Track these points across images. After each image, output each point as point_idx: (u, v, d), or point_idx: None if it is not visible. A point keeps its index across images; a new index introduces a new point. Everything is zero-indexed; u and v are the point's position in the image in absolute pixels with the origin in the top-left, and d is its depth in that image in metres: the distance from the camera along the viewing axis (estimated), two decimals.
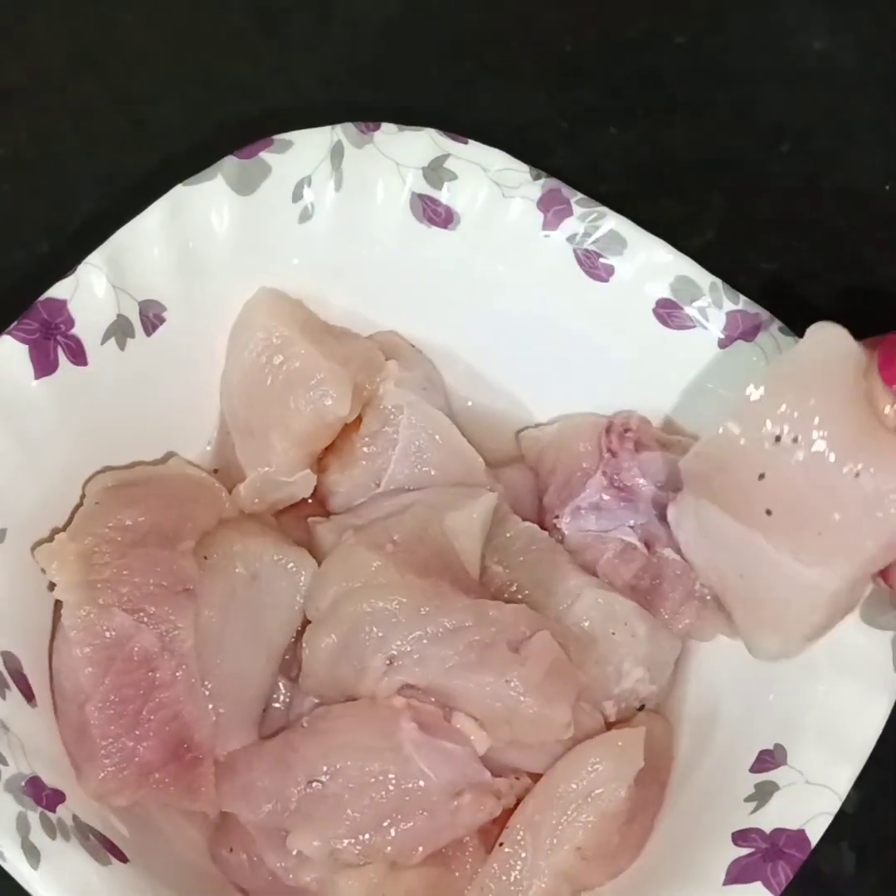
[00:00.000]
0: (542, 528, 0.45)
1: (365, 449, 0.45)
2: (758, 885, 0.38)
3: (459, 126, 0.46)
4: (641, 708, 0.44)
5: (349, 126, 0.45)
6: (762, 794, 0.39)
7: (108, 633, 0.39)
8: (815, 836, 0.38)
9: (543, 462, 0.47)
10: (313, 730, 0.41)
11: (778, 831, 0.38)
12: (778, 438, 0.28)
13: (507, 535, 0.44)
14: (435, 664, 0.40)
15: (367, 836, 0.39)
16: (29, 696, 0.39)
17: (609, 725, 0.43)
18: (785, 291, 0.53)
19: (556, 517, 0.45)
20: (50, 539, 0.41)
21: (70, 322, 0.42)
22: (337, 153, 0.45)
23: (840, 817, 0.39)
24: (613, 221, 0.44)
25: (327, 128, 0.45)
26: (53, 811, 0.37)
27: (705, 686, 0.44)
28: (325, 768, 0.40)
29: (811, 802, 0.39)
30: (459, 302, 0.46)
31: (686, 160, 0.57)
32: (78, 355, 0.42)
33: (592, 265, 0.44)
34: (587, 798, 0.40)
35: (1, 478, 0.40)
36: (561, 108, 0.58)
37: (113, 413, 0.43)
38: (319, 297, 0.46)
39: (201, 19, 0.60)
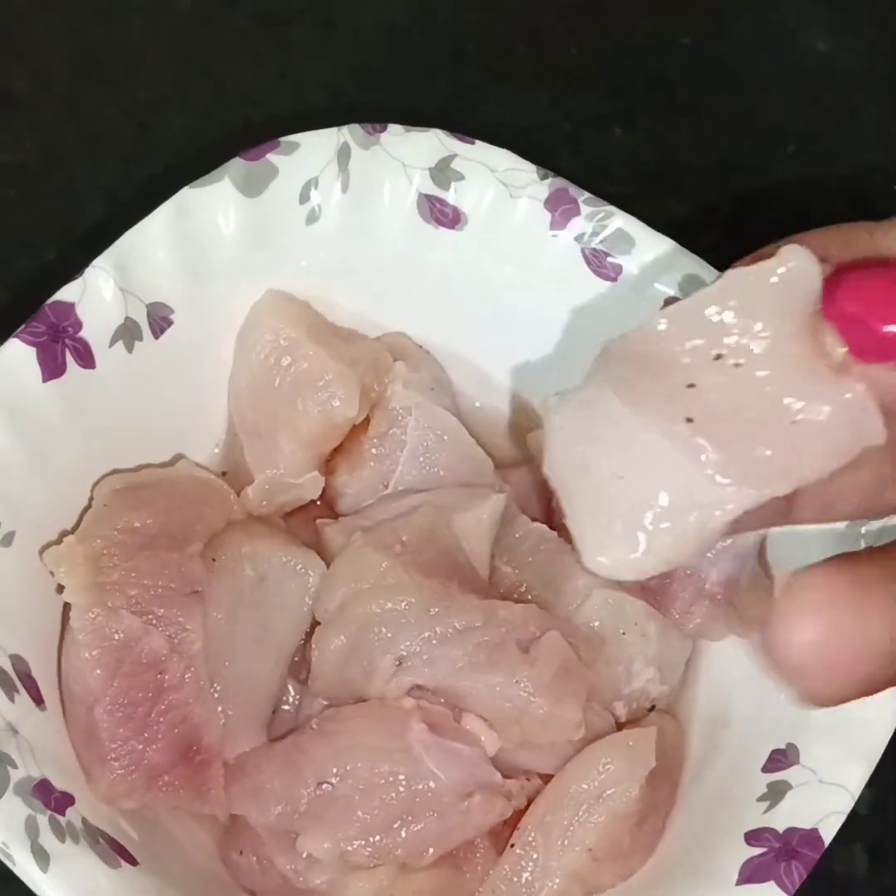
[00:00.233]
0: (551, 528, 0.45)
1: (373, 450, 0.45)
2: (771, 884, 0.37)
3: (464, 129, 0.46)
4: (652, 708, 0.44)
5: (355, 127, 0.45)
6: (775, 793, 0.39)
7: (116, 636, 0.39)
8: (828, 836, 0.38)
9: None
10: (323, 731, 0.41)
11: (791, 831, 0.38)
12: (718, 356, 0.27)
13: (516, 535, 0.44)
14: (444, 665, 0.40)
15: (377, 837, 0.39)
16: (38, 698, 0.39)
17: (619, 726, 0.43)
18: None
19: (565, 517, 0.45)
20: (58, 542, 0.40)
21: (78, 325, 0.42)
22: (344, 154, 0.45)
23: (852, 818, 0.39)
24: (621, 220, 0.44)
25: (333, 129, 0.45)
26: (63, 814, 0.37)
27: (716, 686, 0.44)
28: (334, 770, 0.39)
29: (824, 802, 0.38)
30: (467, 302, 0.46)
31: (691, 162, 0.57)
32: (86, 358, 0.42)
33: (600, 264, 0.44)
34: (598, 798, 0.40)
35: (9, 481, 0.40)
36: (565, 111, 0.58)
37: (121, 415, 0.43)
38: (327, 299, 0.46)
39: (205, 25, 0.61)
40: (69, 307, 0.42)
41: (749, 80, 0.59)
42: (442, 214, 0.45)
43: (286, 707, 0.43)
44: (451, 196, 0.45)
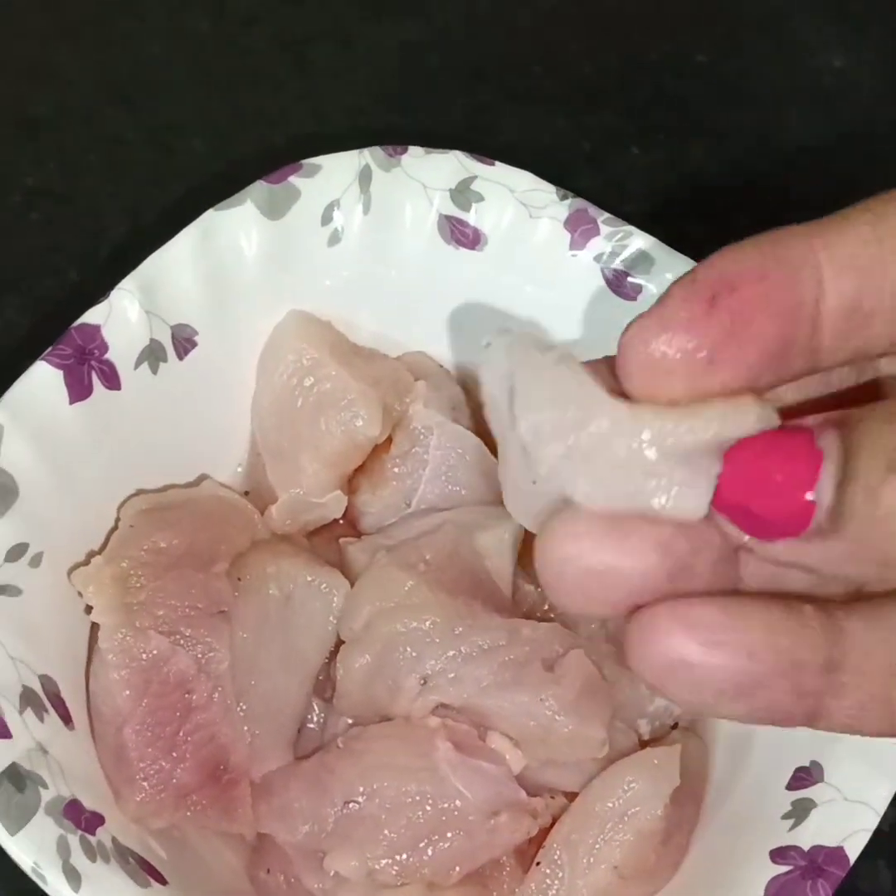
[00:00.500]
0: None
1: (395, 469, 0.46)
2: None
3: (482, 149, 0.47)
4: (675, 726, 0.44)
5: (377, 149, 0.45)
6: (799, 811, 0.39)
7: (144, 656, 0.40)
8: (854, 853, 0.38)
9: None
10: (349, 750, 0.41)
11: (816, 848, 0.38)
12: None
13: None
14: (469, 683, 0.40)
15: (404, 856, 0.39)
16: (67, 719, 0.39)
17: (643, 744, 0.43)
18: None
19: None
20: (86, 562, 0.41)
21: (104, 347, 0.42)
22: (365, 176, 0.45)
23: (876, 834, 0.39)
24: (640, 240, 0.44)
25: (355, 151, 0.45)
26: (93, 834, 0.37)
27: None
28: (361, 789, 0.40)
29: (849, 819, 0.38)
30: (487, 322, 0.47)
31: (709, 180, 0.57)
32: (112, 380, 0.42)
33: (620, 284, 0.45)
34: (624, 816, 0.40)
35: (37, 502, 0.40)
36: (583, 131, 0.59)
37: (146, 437, 0.44)
38: (348, 319, 0.46)
39: (226, 48, 0.61)
40: (95, 329, 0.42)
41: (766, 98, 0.59)
42: (462, 235, 0.46)
43: (311, 726, 0.44)
44: (471, 217, 0.45)
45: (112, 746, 0.40)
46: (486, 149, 0.47)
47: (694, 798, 0.42)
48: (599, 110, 0.59)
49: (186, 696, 0.40)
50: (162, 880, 0.38)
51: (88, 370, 0.42)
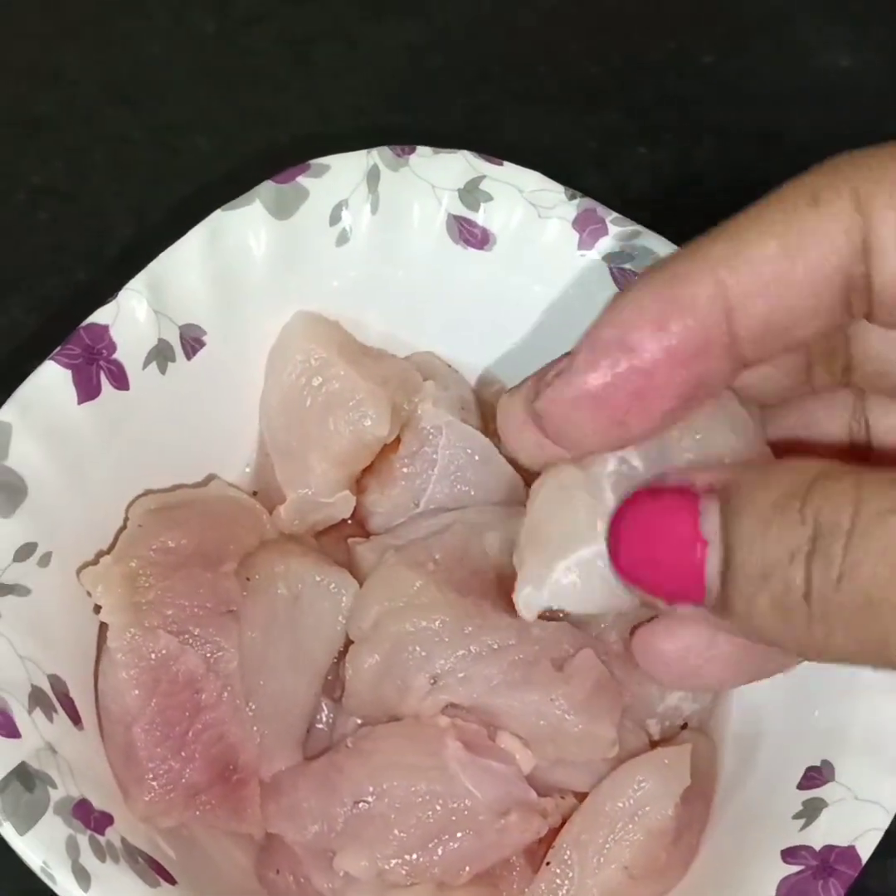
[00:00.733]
0: None
1: (404, 469, 0.45)
2: None
3: (488, 149, 0.47)
4: (684, 726, 0.44)
5: (385, 149, 0.45)
6: (810, 810, 0.39)
7: (153, 655, 0.39)
8: (865, 853, 0.38)
9: None
10: (358, 750, 0.41)
11: (828, 848, 0.38)
12: None
13: None
14: (479, 683, 0.40)
15: (414, 855, 0.39)
16: (76, 719, 0.39)
17: (653, 744, 0.43)
18: None
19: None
20: (95, 562, 0.41)
21: (112, 347, 0.42)
22: (373, 176, 0.45)
23: (887, 834, 0.39)
24: (649, 239, 0.44)
25: (363, 151, 0.45)
26: (102, 834, 0.37)
27: (748, 703, 0.44)
28: (371, 788, 0.40)
29: (861, 819, 0.38)
30: (496, 322, 0.47)
31: (715, 180, 0.57)
32: (120, 380, 0.42)
33: (629, 283, 0.44)
34: (634, 816, 0.40)
35: (46, 502, 0.40)
36: (588, 130, 0.59)
37: (154, 436, 0.44)
38: (357, 319, 0.46)
39: (229, 48, 0.61)
40: (103, 329, 0.42)
41: (771, 98, 0.59)
42: (471, 235, 0.46)
43: (320, 725, 0.44)
44: (479, 217, 0.45)
45: (121, 746, 0.39)
46: (488, 148, 0.47)
47: (704, 798, 0.42)
48: (601, 110, 0.59)
49: (195, 695, 0.40)
50: (171, 880, 0.38)
51: (97, 370, 0.42)
